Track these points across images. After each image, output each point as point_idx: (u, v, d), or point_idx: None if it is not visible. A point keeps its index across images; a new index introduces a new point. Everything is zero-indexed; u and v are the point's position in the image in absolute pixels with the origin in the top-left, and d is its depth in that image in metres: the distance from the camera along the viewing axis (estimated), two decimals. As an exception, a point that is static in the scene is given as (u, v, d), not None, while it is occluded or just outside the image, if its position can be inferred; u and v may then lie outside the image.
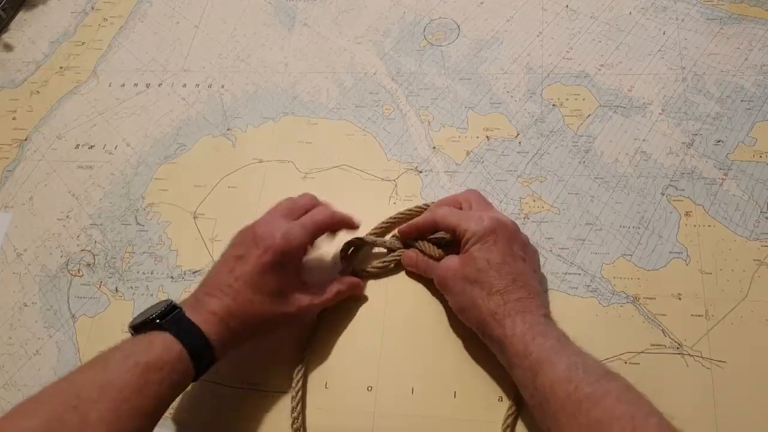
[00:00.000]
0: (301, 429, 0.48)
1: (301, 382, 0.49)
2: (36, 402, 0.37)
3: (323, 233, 0.50)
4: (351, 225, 0.52)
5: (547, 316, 0.44)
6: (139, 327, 0.43)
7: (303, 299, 0.48)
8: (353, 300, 0.53)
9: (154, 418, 0.39)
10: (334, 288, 0.50)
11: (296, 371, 0.50)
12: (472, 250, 0.46)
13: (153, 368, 0.39)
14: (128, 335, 0.43)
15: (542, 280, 0.51)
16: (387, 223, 0.55)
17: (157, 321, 0.42)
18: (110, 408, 0.37)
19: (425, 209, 0.55)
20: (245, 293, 0.45)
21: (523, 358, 0.41)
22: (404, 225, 0.53)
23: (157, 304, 0.45)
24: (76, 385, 0.38)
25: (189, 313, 0.43)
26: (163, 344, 0.40)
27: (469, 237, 0.46)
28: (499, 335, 0.43)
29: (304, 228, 0.48)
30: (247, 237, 0.47)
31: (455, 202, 0.51)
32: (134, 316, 0.45)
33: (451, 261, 0.48)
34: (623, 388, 0.38)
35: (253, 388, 0.51)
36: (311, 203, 0.51)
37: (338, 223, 0.51)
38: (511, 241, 0.46)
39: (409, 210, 0.55)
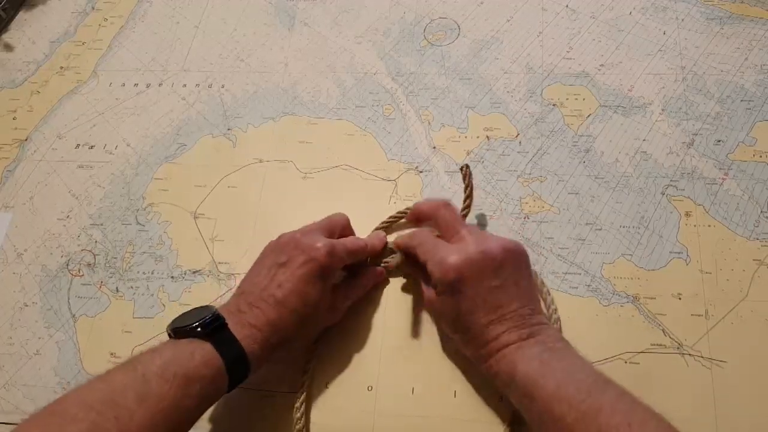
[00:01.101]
0: (304, 430, 0.48)
1: (306, 383, 0.49)
2: (74, 404, 0.36)
3: (359, 258, 0.51)
4: (379, 246, 0.53)
5: (531, 336, 0.43)
6: (180, 332, 0.42)
7: (337, 308, 0.49)
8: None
9: (187, 428, 0.39)
10: (360, 285, 0.51)
11: (302, 372, 0.50)
12: (443, 297, 0.45)
13: (191, 381, 0.38)
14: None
15: (529, 286, 0.46)
16: (387, 222, 0.55)
17: (199, 330, 0.41)
18: (148, 418, 0.36)
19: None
20: (289, 303, 0.44)
21: (512, 388, 0.42)
22: (400, 240, 0.52)
23: (199, 309, 0.44)
24: (114, 390, 0.37)
25: (231, 326, 0.43)
26: (204, 357, 0.40)
27: (436, 282, 0.46)
28: (485, 371, 0.44)
29: (346, 248, 0.48)
30: (288, 245, 0.47)
31: (430, 214, 0.50)
32: (155, 318, 0.44)
33: (431, 294, 0.47)
34: (616, 397, 0.38)
35: (254, 388, 0.51)
36: (346, 219, 0.53)
37: (371, 251, 0.52)
38: (481, 276, 0.44)
39: (409, 209, 0.55)
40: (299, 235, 0.48)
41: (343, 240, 0.49)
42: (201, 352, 0.40)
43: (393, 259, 0.51)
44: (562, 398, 0.38)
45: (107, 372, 0.39)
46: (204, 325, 0.42)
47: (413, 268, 0.51)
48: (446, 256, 0.44)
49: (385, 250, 0.54)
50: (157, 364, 0.38)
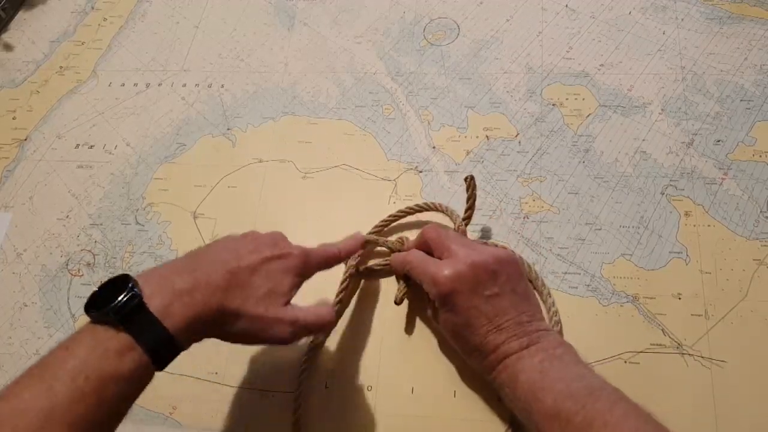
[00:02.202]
0: (302, 429, 0.48)
1: (303, 383, 0.49)
2: None
3: (334, 265, 0.49)
4: (355, 248, 0.51)
5: (531, 344, 0.43)
6: (93, 317, 0.37)
7: (285, 320, 0.42)
8: (353, 299, 0.53)
9: (115, 425, 0.36)
10: (302, 318, 0.44)
11: (299, 371, 0.50)
12: (442, 313, 0.46)
13: (107, 382, 0.34)
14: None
15: (526, 293, 0.46)
16: (387, 221, 0.55)
17: (112, 315, 0.36)
18: None
19: (424, 207, 0.55)
20: (234, 285, 0.40)
21: (515, 402, 0.42)
22: (396, 265, 0.51)
23: (117, 283, 0.37)
24: (16, 412, 0.32)
25: (155, 300, 0.37)
26: (119, 348, 0.35)
27: (432, 298, 0.46)
28: (491, 382, 0.45)
29: (320, 255, 0.47)
30: (260, 240, 0.44)
31: (421, 242, 0.50)
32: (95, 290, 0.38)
33: (433, 312, 0.48)
34: (609, 405, 0.38)
35: (254, 388, 0.51)
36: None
37: (345, 255, 0.50)
38: (474, 288, 0.44)
39: (409, 208, 0.55)
40: (275, 233, 0.46)
41: (315, 248, 0.47)
42: (116, 344, 0.35)
43: (399, 291, 0.51)
44: (559, 412, 0.38)
45: (13, 385, 0.34)
46: (116, 310, 0.35)
47: (420, 292, 0.50)
48: (437, 272, 0.45)
49: (387, 244, 0.53)
50: (67, 369, 0.34)
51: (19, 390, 0.34)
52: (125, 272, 0.40)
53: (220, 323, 0.40)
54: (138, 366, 0.36)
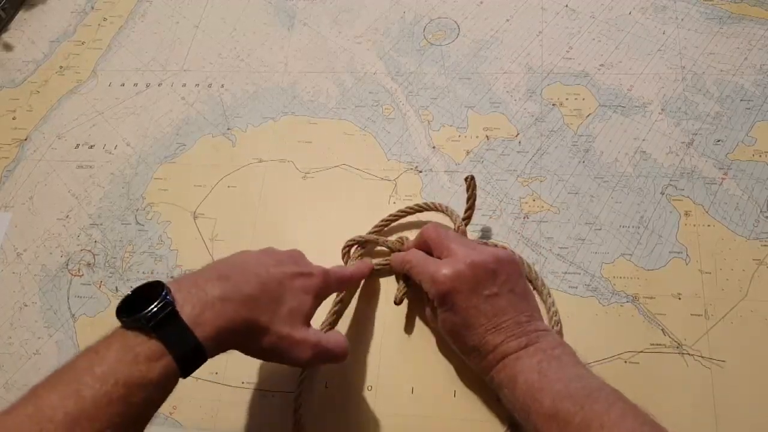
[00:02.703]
0: (302, 429, 0.48)
1: (303, 383, 0.49)
2: None
3: (346, 288, 0.51)
4: (365, 273, 0.52)
5: (529, 344, 0.43)
6: (125, 323, 0.37)
7: (309, 341, 0.43)
8: (353, 299, 0.53)
9: (141, 429, 0.36)
10: (324, 342, 0.44)
11: (299, 371, 0.50)
12: (440, 313, 0.46)
13: (135, 388, 0.34)
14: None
15: (524, 293, 0.47)
16: (387, 221, 0.55)
17: (144, 322, 0.36)
18: None
19: (424, 207, 0.55)
20: (265, 298, 0.41)
21: (513, 400, 0.42)
22: (396, 264, 0.52)
23: (149, 289, 0.37)
24: (42, 415, 0.32)
25: (187, 308, 0.37)
26: (148, 355, 0.35)
27: (431, 298, 0.46)
28: (489, 383, 0.45)
29: (337, 276, 0.48)
30: (282, 256, 0.45)
31: (420, 241, 0.50)
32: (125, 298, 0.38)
33: (430, 311, 0.48)
34: (607, 406, 0.38)
35: (254, 388, 0.51)
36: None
37: (356, 280, 0.52)
38: (473, 287, 0.44)
39: (409, 208, 0.55)
40: (295, 251, 0.47)
41: (332, 270, 0.48)
42: (146, 350, 0.35)
43: (399, 291, 0.51)
44: (557, 413, 0.38)
45: (40, 387, 0.34)
46: (149, 317, 0.36)
47: (419, 292, 0.50)
48: (436, 271, 0.45)
49: (387, 243, 0.53)
50: (96, 373, 0.34)
51: (46, 393, 0.34)
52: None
53: (249, 336, 0.40)
54: (167, 373, 0.36)
